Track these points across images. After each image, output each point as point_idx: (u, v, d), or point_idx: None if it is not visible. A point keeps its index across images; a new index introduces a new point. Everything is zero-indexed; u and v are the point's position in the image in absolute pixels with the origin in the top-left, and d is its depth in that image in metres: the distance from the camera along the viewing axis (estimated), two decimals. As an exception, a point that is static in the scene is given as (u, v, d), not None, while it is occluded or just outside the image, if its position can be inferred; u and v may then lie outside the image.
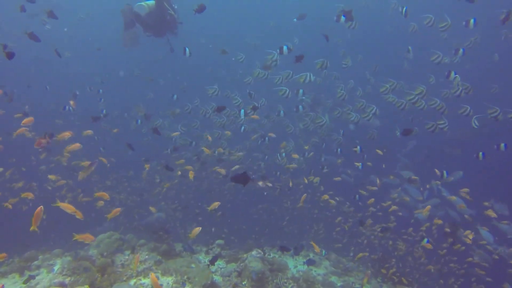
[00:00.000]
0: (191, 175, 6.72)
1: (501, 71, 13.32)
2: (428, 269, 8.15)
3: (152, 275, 3.71)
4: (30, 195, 5.23)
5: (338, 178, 8.41)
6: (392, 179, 8.20)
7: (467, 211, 7.10)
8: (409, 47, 6.62)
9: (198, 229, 5.31)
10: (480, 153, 5.63)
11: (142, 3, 6.88)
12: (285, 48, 5.78)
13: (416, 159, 11.13)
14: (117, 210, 4.84)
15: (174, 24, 7.44)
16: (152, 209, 8.35)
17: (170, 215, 10.15)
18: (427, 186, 7.75)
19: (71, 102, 6.51)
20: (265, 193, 9.55)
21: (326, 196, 7.45)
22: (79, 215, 3.99)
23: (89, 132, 7.38)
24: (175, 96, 8.45)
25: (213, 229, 7.78)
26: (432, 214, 7.56)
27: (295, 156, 7.95)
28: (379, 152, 7.65)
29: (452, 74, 5.90)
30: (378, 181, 8.03)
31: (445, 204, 7.64)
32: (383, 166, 8.97)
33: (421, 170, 8.61)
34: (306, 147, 8.43)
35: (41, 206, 3.61)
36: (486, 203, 6.90)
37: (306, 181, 8.19)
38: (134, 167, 10.88)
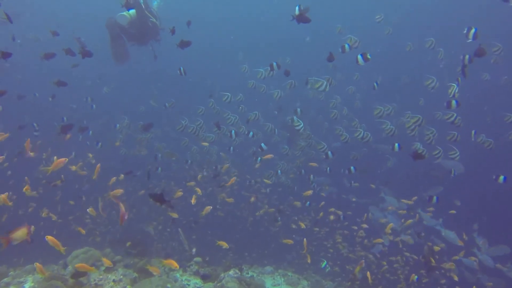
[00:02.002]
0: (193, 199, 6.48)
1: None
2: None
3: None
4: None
5: (341, 214, 7.99)
6: (390, 209, 7.97)
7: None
8: (374, 84, 6.58)
9: (209, 208, 5.79)
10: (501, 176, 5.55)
11: (123, 13, 6.85)
12: (274, 64, 6.23)
13: (395, 178, 11.02)
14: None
15: (156, 31, 7.47)
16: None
17: (156, 228, 10.04)
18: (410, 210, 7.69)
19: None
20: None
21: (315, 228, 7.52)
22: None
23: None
24: (167, 104, 8.54)
25: (193, 251, 7.67)
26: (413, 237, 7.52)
27: (308, 193, 7.84)
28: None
29: (453, 103, 5.69)
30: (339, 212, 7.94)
31: (429, 230, 7.58)
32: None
33: (401, 189, 8.59)
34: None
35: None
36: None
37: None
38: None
